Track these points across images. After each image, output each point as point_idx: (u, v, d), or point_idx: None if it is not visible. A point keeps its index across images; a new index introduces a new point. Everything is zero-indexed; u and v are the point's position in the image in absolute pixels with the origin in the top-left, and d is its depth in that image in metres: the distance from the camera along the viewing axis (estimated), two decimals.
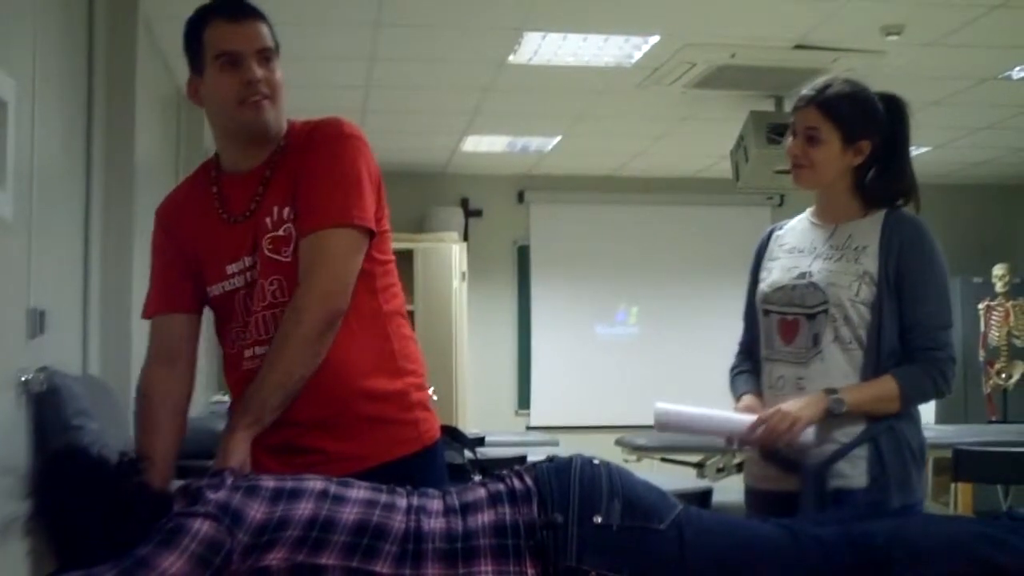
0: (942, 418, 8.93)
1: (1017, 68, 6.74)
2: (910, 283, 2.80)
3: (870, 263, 2.81)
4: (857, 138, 2.86)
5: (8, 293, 3.38)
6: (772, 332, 2.92)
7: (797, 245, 2.96)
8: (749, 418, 2.80)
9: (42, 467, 2.26)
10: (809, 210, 3.04)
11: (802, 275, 2.88)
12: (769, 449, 2.82)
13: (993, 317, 9.05)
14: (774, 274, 2.95)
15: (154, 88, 5.65)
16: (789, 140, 2.94)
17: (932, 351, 2.79)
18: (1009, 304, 9.00)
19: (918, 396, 2.81)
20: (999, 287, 9.06)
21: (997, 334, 9.01)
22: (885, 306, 2.79)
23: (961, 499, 7.37)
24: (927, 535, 2.24)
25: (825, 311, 2.81)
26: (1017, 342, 8.97)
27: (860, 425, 2.77)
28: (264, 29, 2.55)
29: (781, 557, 2.18)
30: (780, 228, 3.08)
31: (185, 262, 2.63)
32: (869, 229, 2.87)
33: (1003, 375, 8.95)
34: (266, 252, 2.49)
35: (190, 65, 2.59)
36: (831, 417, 2.74)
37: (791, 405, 2.75)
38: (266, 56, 2.53)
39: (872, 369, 2.78)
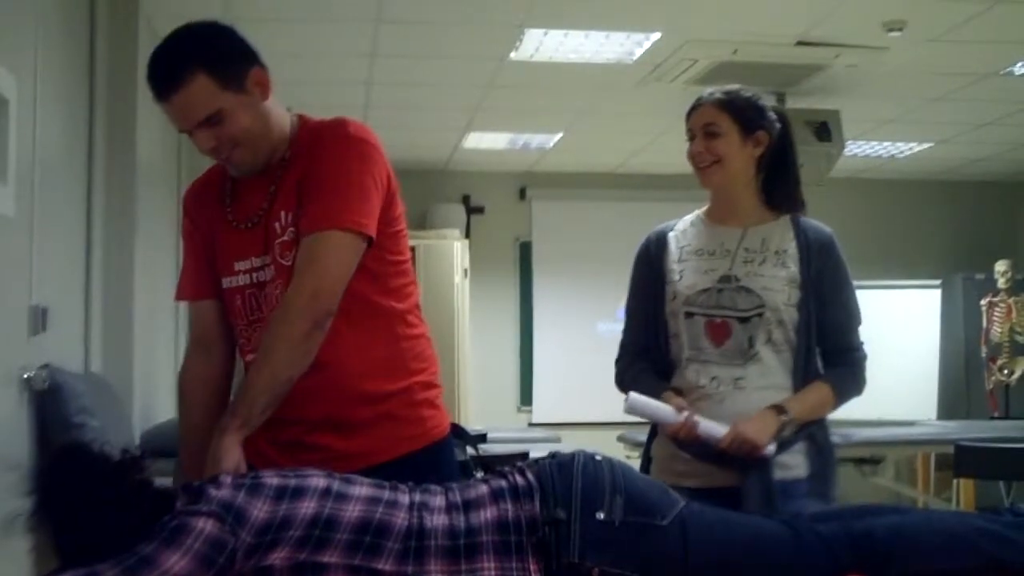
0: (944, 414, 8.94)
1: (1019, 64, 6.73)
2: (828, 287, 2.92)
3: (793, 267, 2.90)
4: (754, 128, 2.94)
5: (10, 290, 3.38)
6: (698, 334, 2.92)
7: (704, 247, 2.99)
8: (715, 426, 2.80)
9: (44, 465, 2.26)
10: (699, 212, 3.10)
11: (726, 278, 2.91)
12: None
13: (995, 313, 9.04)
14: (688, 276, 2.96)
15: None
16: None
17: (853, 352, 2.96)
18: (1011, 300, 8.99)
19: (847, 397, 2.94)
20: (1001, 283, 9.05)
21: (999, 330, 9.00)
22: (810, 307, 2.89)
23: (963, 495, 7.38)
24: (928, 531, 2.24)
25: (760, 315, 2.87)
26: (1019, 338, 8.96)
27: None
28: (196, 92, 2.41)
29: (783, 553, 2.18)
30: (672, 229, 3.11)
31: (208, 249, 2.64)
32: (782, 233, 2.96)
33: (1005, 371, 8.95)
34: (278, 258, 2.49)
35: None
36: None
37: (748, 429, 2.76)
38: (211, 122, 2.44)
39: (802, 370, 2.89)
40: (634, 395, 2.87)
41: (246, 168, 2.54)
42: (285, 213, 2.49)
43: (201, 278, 2.66)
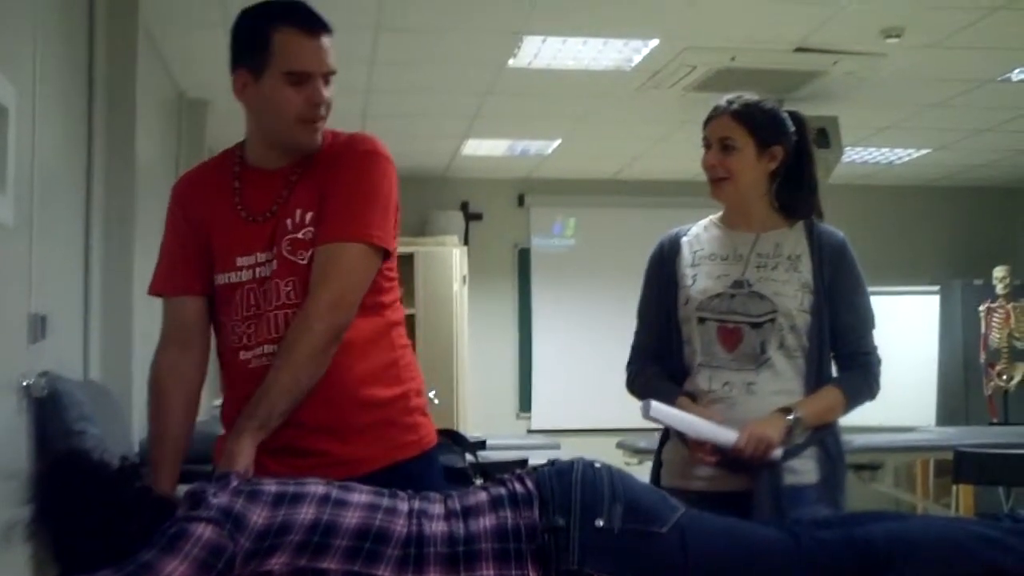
0: (943, 420, 8.95)
1: (1017, 70, 6.74)
2: (841, 291, 2.93)
3: (806, 272, 2.91)
4: (770, 143, 2.94)
5: (9, 298, 3.38)
6: (711, 340, 2.93)
7: (717, 252, 3.00)
8: (731, 433, 2.79)
9: (44, 472, 2.26)
10: (713, 217, 3.09)
11: (738, 284, 2.92)
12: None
13: (994, 319, 9.05)
14: (701, 281, 2.97)
15: (154, 93, 5.66)
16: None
17: (866, 355, 2.96)
18: (1010, 306, 9.00)
19: (859, 402, 2.94)
20: (999, 289, 9.06)
21: (998, 336, 9.01)
22: (823, 312, 2.90)
23: (962, 501, 7.38)
24: (928, 537, 2.24)
25: (772, 320, 2.87)
26: (1018, 344, 8.97)
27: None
28: (331, 45, 2.50)
29: (783, 559, 2.18)
30: (685, 234, 3.10)
31: (199, 243, 2.61)
32: (796, 239, 2.97)
33: (1004, 377, 8.95)
34: (284, 253, 2.50)
35: (244, 60, 2.52)
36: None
37: (761, 428, 2.77)
38: (327, 78, 2.51)
39: (815, 374, 2.90)
40: (655, 404, 2.86)
41: (311, 145, 2.55)
42: (302, 211, 2.51)
43: (187, 273, 2.62)
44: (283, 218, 2.52)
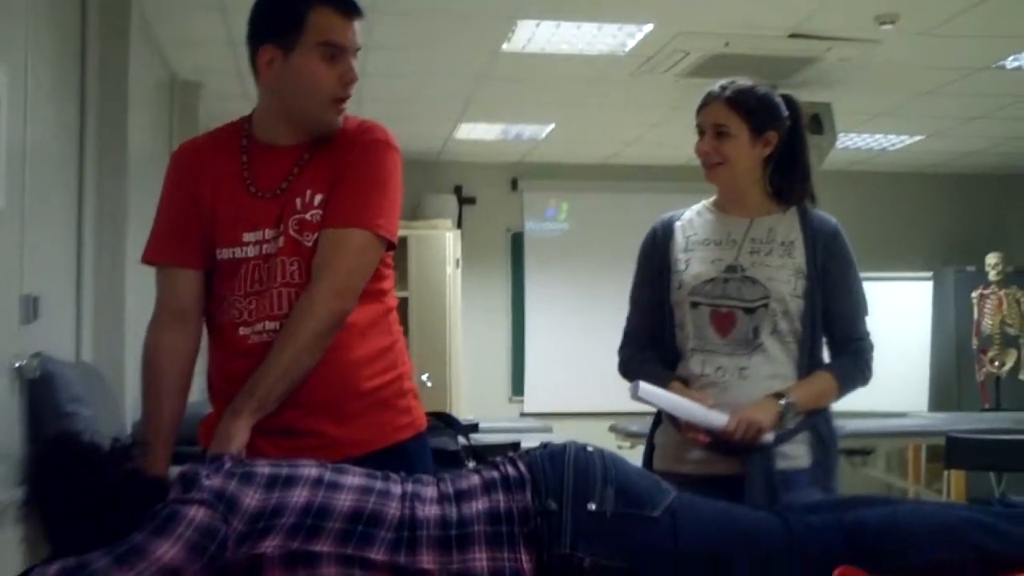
0: (935, 406, 8.97)
1: (1010, 58, 6.75)
2: (835, 277, 2.94)
3: (799, 257, 2.91)
4: (764, 129, 2.94)
5: (1, 279, 3.38)
6: (704, 324, 2.93)
7: (710, 237, 3.00)
8: (720, 416, 2.80)
9: (36, 454, 2.26)
10: (706, 202, 3.10)
11: (732, 268, 2.92)
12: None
13: (986, 306, 9.07)
14: (695, 266, 2.97)
15: (147, 75, 5.65)
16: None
17: (858, 341, 2.97)
18: (1002, 292, 9.03)
19: (851, 387, 2.95)
20: (992, 276, 9.08)
21: (990, 322, 9.04)
22: (816, 298, 2.90)
23: (954, 486, 7.40)
24: (919, 522, 2.25)
25: (765, 305, 2.88)
26: (1010, 330, 9.00)
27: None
28: (360, 29, 2.52)
29: (774, 544, 2.18)
30: (678, 218, 3.10)
31: (200, 215, 2.56)
32: (789, 224, 2.97)
33: (996, 363, 8.98)
34: (291, 232, 2.49)
35: (272, 35, 2.49)
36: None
37: (752, 412, 2.78)
38: (356, 55, 2.52)
39: (807, 359, 2.91)
40: (644, 385, 2.86)
41: (335, 128, 2.55)
42: (312, 192, 2.50)
43: (184, 244, 2.57)
44: (292, 196, 2.51)
